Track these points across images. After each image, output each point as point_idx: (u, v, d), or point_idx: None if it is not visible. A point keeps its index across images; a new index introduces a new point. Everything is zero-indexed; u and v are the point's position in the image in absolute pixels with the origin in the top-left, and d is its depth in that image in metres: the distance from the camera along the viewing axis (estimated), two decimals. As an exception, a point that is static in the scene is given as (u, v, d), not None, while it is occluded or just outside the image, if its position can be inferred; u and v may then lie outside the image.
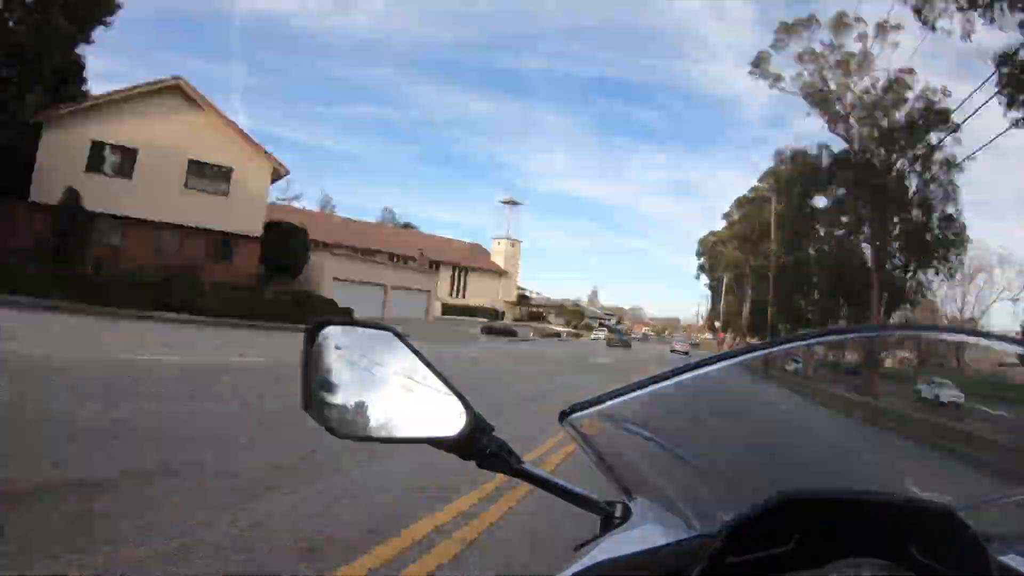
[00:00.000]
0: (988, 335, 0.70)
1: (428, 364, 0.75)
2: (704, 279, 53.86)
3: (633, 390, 0.69)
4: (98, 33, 19.94)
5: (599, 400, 0.70)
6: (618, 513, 0.76)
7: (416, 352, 0.76)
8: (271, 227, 24.35)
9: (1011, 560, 0.59)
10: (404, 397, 0.76)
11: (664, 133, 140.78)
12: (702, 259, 51.54)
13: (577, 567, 0.59)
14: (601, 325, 70.08)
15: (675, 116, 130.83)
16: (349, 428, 0.75)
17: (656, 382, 0.68)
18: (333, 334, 0.79)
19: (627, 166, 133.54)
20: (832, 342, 0.87)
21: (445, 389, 0.74)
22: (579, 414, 0.71)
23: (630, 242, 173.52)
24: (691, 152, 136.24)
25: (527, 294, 67.74)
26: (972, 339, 0.81)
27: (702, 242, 51.39)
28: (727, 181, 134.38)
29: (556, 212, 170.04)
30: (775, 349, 0.71)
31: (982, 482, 0.93)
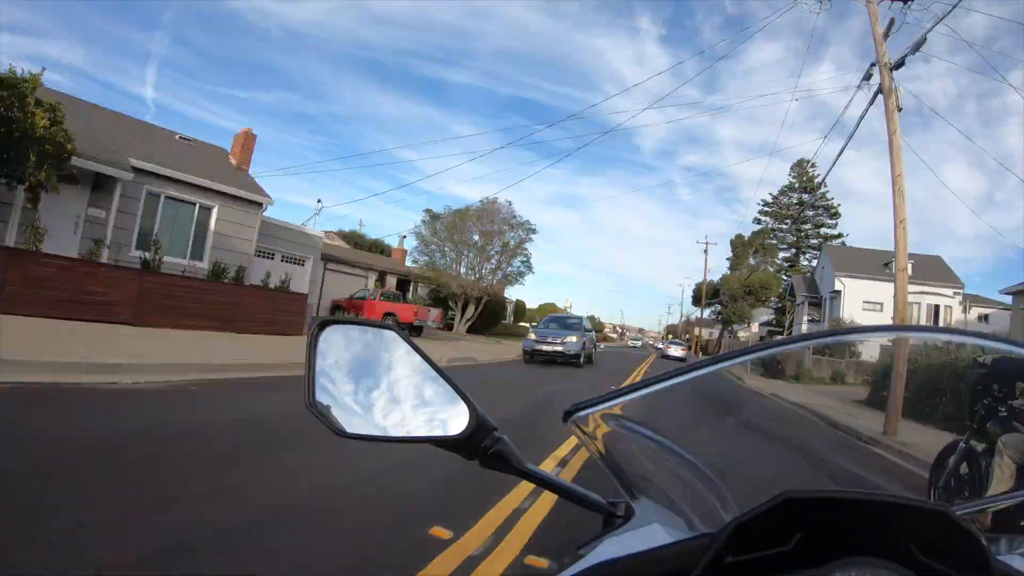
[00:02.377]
0: (987, 336, 0.73)
1: (431, 363, 0.77)
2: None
3: (637, 389, 0.70)
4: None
5: (603, 399, 0.71)
6: (620, 512, 0.76)
7: (419, 351, 0.77)
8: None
9: (1012, 560, 0.58)
10: (407, 396, 0.77)
11: (564, 152, 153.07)
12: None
13: (579, 567, 0.60)
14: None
15: (577, 139, 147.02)
16: (352, 427, 0.75)
17: (658, 382, 0.68)
18: (336, 334, 0.80)
19: (524, 177, 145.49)
20: (832, 343, 0.83)
21: (449, 388, 0.75)
22: (583, 413, 0.71)
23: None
24: (583, 172, 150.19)
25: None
26: (970, 340, 0.83)
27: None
28: (612, 199, 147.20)
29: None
30: (778, 349, 0.71)
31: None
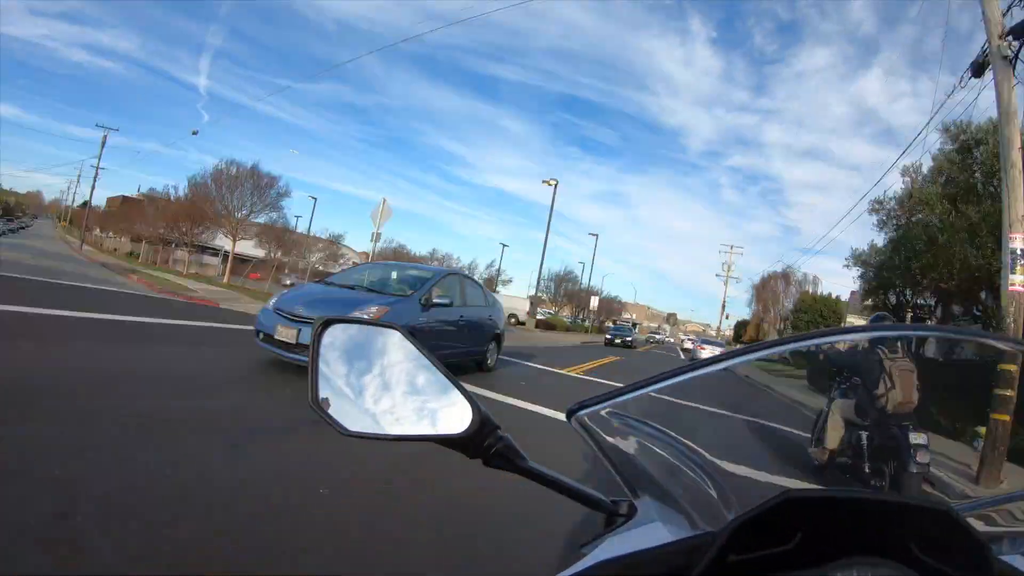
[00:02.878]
0: (995, 336, 0.72)
1: (433, 360, 0.77)
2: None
3: (639, 388, 0.70)
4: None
5: (606, 397, 0.72)
6: (623, 511, 0.77)
7: (421, 348, 0.78)
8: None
9: (1014, 560, 0.59)
10: (410, 395, 0.78)
11: (611, 150, 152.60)
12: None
13: (581, 565, 0.60)
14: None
15: (626, 137, 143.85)
16: (356, 425, 0.75)
17: (662, 380, 0.69)
18: (340, 332, 0.82)
19: (570, 173, 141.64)
20: (836, 342, 0.85)
21: (452, 387, 0.76)
22: (586, 411, 0.72)
23: (542, 237, 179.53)
24: (630, 170, 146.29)
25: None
26: (979, 339, 0.82)
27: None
28: (660, 199, 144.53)
29: (491, 205, 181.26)
30: (782, 348, 0.71)
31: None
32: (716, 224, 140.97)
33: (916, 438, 1.80)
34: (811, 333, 0.72)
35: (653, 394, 0.71)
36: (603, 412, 0.74)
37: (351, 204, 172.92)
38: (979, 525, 0.54)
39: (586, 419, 0.74)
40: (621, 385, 0.73)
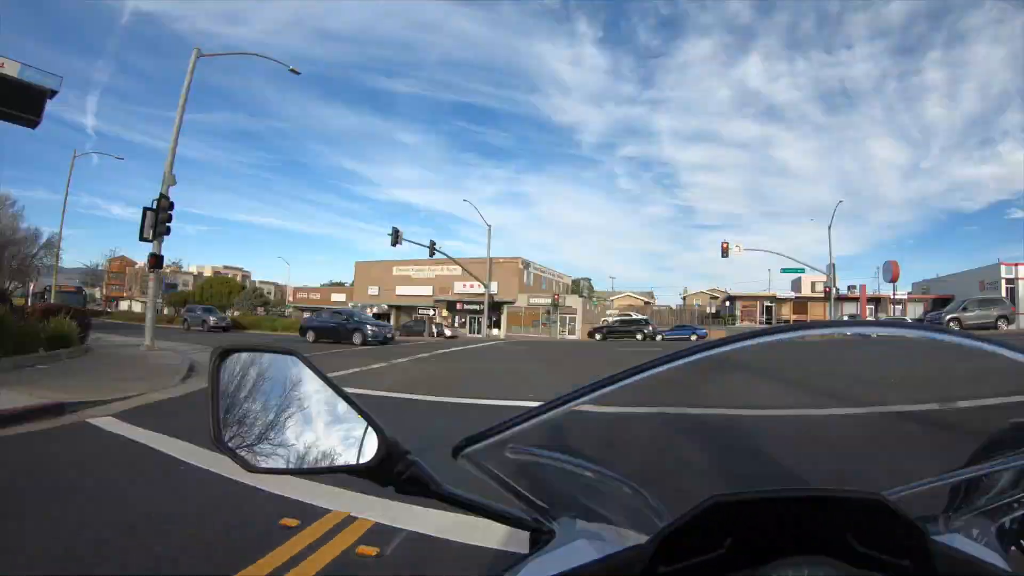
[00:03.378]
0: (1003, 343, 0.67)
1: (335, 387, 0.74)
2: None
3: (532, 417, 0.67)
4: None
5: (495, 430, 0.68)
6: (547, 530, 0.74)
7: (322, 375, 0.74)
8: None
9: (952, 540, 0.59)
10: (314, 425, 0.74)
11: (508, 152, 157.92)
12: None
13: None
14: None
15: (521, 138, 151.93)
16: (262, 462, 0.72)
17: (556, 406, 0.66)
18: (237, 362, 0.77)
19: (469, 179, 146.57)
20: (815, 335, 0.68)
21: (354, 414, 0.72)
22: (475, 447, 0.69)
23: (455, 245, 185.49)
24: (528, 170, 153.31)
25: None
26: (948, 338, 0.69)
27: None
28: (558, 194, 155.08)
29: (395, 218, 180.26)
30: (732, 347, 0.65)
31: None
32: (615, 213, 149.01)
33: None
34: (766, 329, 0.67)
35: (552, 418, 0.67)
36: (495, 445, 0.69)
37: (248, 232, 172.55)
38: (912, 509, 0.53)
39: (476, 454, 0.70)
40: (513, 415, 0.68)
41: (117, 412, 7.15)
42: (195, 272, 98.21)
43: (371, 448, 0.71)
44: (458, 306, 53.31)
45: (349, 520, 3.42)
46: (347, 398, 0.73)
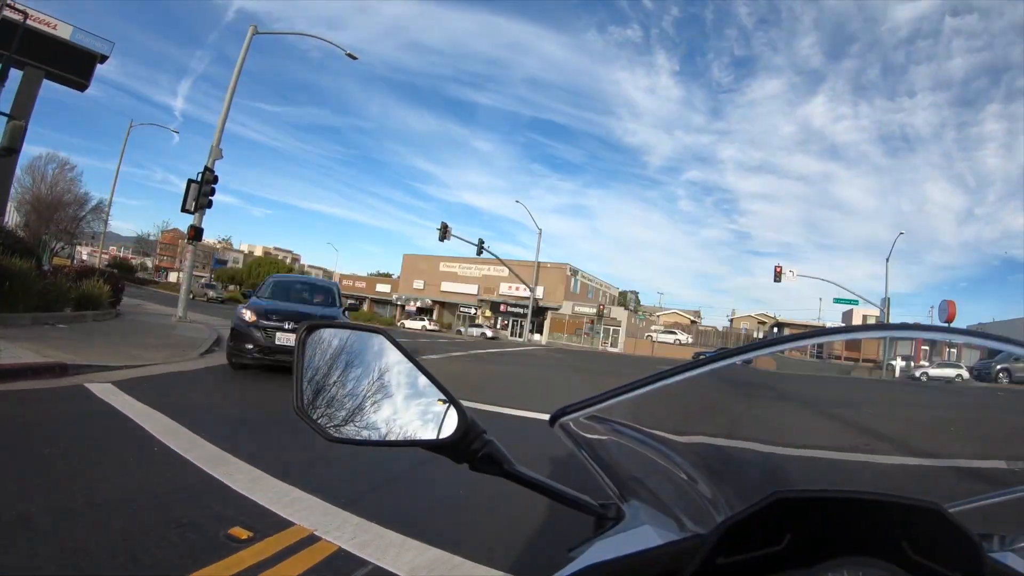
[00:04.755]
0: (1000, 339, 0.67)
1: (420, 367, 0.79)
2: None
3: (625, 391, 0.69)
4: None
5: (591, 401, 0.71)
6: (611, 514, 0.78)
7: (408, 355, 0.79)
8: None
9: (1005, 557, 0.61)
10: (396, 400, 0.79)
11: (576, 167, 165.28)
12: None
13: (570, 569, 0.61)
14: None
15: (590, 155, 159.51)
16: (341, 432, 0.77)
17: (648, 383, 0.68)
18: (325, 338, 0.83)
19: (535, 188, 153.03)
20: (838, 340, 0.74)
21: (437, 392, 0.77)
22: (570, 416, 0.72)
23: (510, 249, 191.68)
24: (594, 184, 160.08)
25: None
26: (977, 340, 0.74)
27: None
28: (619, 209, 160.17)
29: (460, 219, 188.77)
30: (776, 348, 0.67)
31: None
32: (672, 232, 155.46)
33: None
34: (803, 333, 0.72)
35: (639, 397, 0.69)
36: (588, 416, 0.73)
37: (312, 220, 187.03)
38: (969, 523, 0.50)
39: (570, 424, 0.74)
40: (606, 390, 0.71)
41: (119, 380, 6.86)
42: (245, 251, 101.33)
43: (450, 425, 0.74)
44: (502, 307, 53.09)
45: (310, 540, 2.86)
46: (429, 376, 0.78)
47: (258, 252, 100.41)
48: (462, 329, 49.72)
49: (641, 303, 78.42)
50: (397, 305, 53.85)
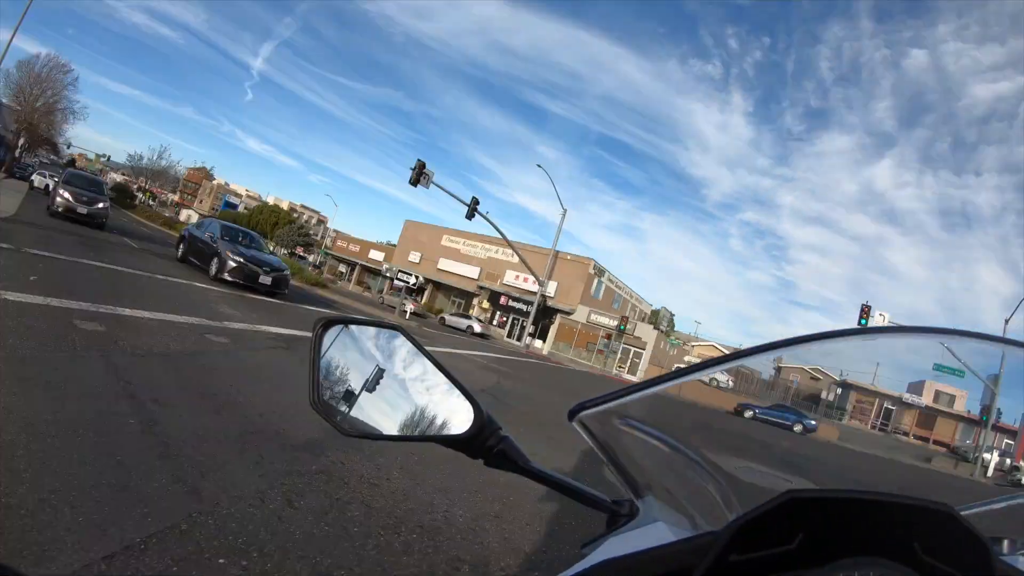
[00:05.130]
0: (1005, 340, 0.69)
1: (436, 362, 0.82)
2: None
3: (642, 388, 0.71)
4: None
5: (608, 398, 0.72)
6: (625, 511, 0.80)
7: (424, 350, 0.82)
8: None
9: (1015, 561, 0.62)
10: (412, 395, 0.80)
11: (635, 188, 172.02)
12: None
13: (583, 565, 0.62)
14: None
15: (651, 179, 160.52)
16: (356, 426, 0.78)
17: (664, 381, 0.69)
18: (341, 332, 0.84)
19: (591, 203, 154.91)
20: (855, 340, 0.70)
21: (453, 388, 0.80)
22: (588, 411, 0.73)
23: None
24: (649, 208, 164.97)
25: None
26: (989, 344, 0.74)
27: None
28: (670, 237, 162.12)
29: (511, 219, 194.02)
30: (787, 348, 0.66)
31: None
32: (717, 268, 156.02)
33: None
34: (822, 333, 0.69)
35: (656, 394, 0.71)
36: (605, 412, 0.74)
37: (370, 197, 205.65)
38: (980, 526, 0.52)
39: (588, 419, 0.74)
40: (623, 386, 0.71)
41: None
42: (271, 202, 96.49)
43: (466, 421, 0.77)
44: (503, 300, 43.65)
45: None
46: (445, 372, 0.80)
47: (284, 206, 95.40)
48: (446, 317, 40.69)
49: (675, 327, 64.91)
50: (387, 278, 40.13)
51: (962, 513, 0.51)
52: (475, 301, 45.98)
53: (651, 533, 0.70)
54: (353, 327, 0.84)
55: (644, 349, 40.19)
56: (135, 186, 73.61)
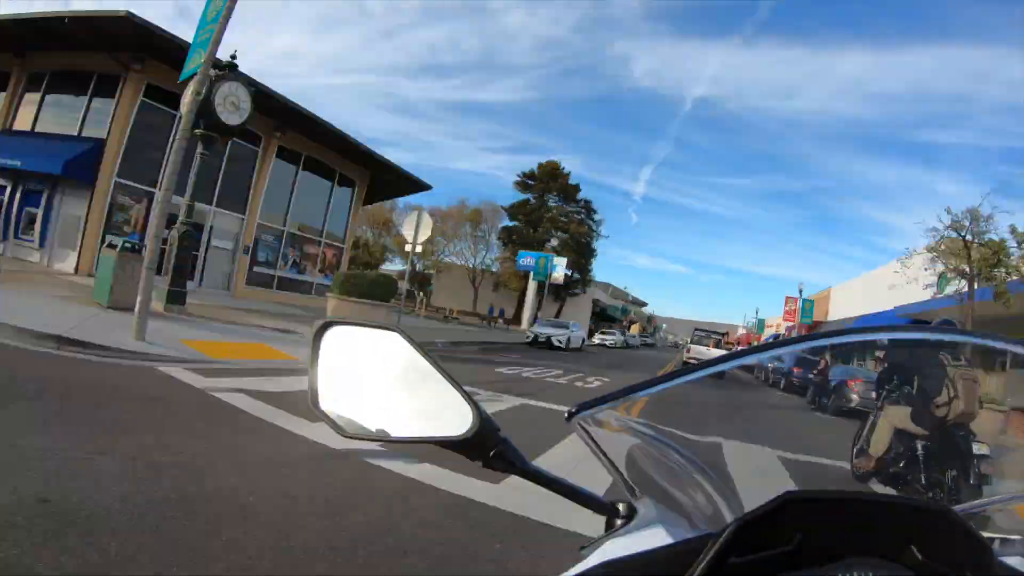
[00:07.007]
0: (1013, 341, 0.68)
1: (435, 364, 0.80)
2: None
3: (640, 389, 0.70)
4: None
5: (607, 399, 0.72)
6: (623, 513, 0.80)
7: (422, 352, 0.81)
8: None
9: (1014, 561, 0.64)
10: (411, 397, 0.81)
11: None
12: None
13: (581, 567, 0.62)
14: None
15: None
16: (356, 428, 0.80)
17: (662, 382, 0.69)
18: (340, 334, 0.86)
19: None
20: (854, 342, 0.77)
21: (452, 389, 0.78)
22: (586, 412, 0.73)
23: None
24: None
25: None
26: (998, 344, 0.74)
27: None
28: None
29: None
30: (790, 348, 0.69)
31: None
32: None
33: (979, 449, 1.87)
34: (820, 333, 0.74)
35: (654, 396, 0.71)
36: (603, 414, 0.75)
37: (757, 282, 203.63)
38: (978, 527, 0.55)
39: (586, 421, 0.75)
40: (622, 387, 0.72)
41: None
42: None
43: (465, 422, 0.75)
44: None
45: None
46: (445, 372, 0.79)
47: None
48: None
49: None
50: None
51: (960, 512, 0.52)
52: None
53: (649, 535, 0.71)
54: (350, 328, 0.85)
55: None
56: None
